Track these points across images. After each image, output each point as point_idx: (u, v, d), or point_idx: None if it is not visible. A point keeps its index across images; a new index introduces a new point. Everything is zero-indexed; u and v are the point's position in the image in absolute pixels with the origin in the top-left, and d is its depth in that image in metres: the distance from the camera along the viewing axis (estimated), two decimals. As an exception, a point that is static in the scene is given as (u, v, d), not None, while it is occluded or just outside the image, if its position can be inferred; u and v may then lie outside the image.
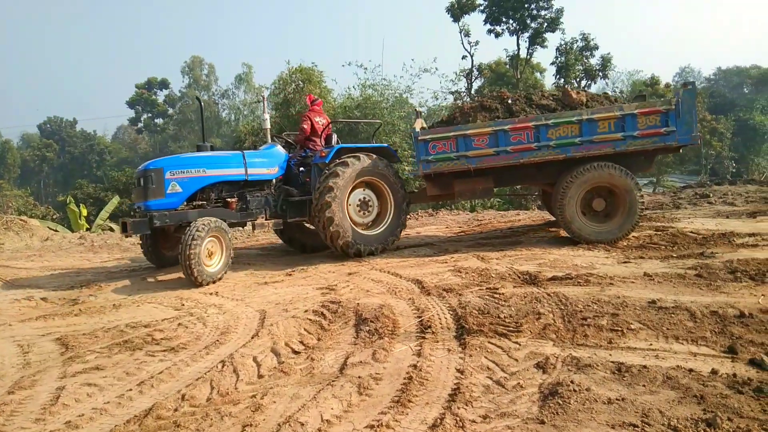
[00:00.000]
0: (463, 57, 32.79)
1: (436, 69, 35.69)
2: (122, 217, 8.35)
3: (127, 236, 8.47)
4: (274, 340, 4.39)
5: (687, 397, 2.97)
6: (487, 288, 5.34)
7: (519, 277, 5.73)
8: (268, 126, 8.54)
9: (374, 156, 8.07)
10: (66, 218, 22.35)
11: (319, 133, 8.64)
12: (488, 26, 32.54)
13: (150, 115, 63.16)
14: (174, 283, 6.91)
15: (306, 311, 5.07)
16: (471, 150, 7.55)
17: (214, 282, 6.68)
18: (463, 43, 32.46)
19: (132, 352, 4.34)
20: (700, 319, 4.10)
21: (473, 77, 32.99)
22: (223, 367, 3.88)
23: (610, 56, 32.26)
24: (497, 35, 32.69)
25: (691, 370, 3.29)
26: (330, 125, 8.91)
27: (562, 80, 31.91)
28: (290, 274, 6.97)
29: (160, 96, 63.88)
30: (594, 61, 32.70)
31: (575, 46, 32.40)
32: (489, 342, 3.96)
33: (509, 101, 8.14)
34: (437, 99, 27.94)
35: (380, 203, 8.28)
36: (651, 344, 3.76)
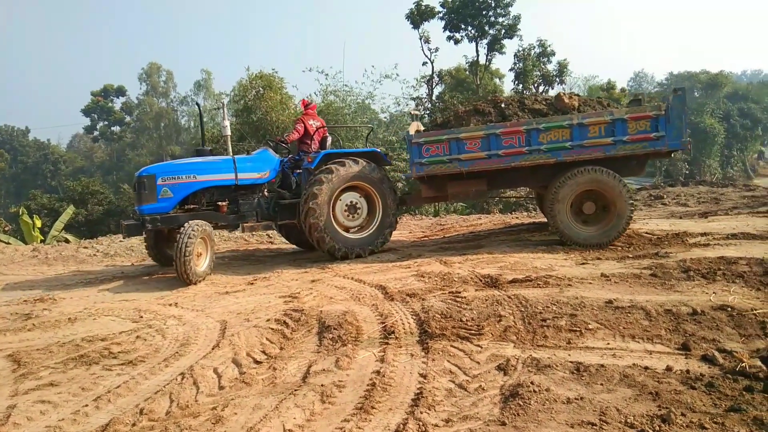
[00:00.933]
0: (424, 63, 32.94)
1: (397, 75, 36.12)
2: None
3: (124, 237, 9.82)
4: (235, 351, 4.33)
5: (643, 394, 3.05)
6: (449, 292, 5.38)
7: (481, 281, 5.79)
8: (229, 133, 8.52)
9: (363, 161, 8.08)
10: (19, 230, 21.58)
11: (312, 135, 8.74)
12: (447, 33, 32.85)
13: (106, 122, 61.48)
14: (132, 294, 6.74)
15: (268, 320, 5.02)
16: (463, 153, 7.59)
17: (203, 280, 7.05)
18: (423, 50, 32.59)
19: (88, 367, 4.22)
20: (655, 317, 4.22)
21: (434, 83, 33.21)
22: (182, 379, 3.81)
23: (566, 62, 32.94)
24: (456, 42, 33.00)
25: (646, 368, 3.38)
26: (324, 128, 9.01)
27: (521, 86, 32.43)
28: (252, 283, 6.89)
29: (117, 103, 62.34)
30: (551, 66, 33.32)
31: (533, 52, 32.99)
32: (451, 345, 3.99)
33: (502, 105, 8.22)
34: (399, 105, 28.13)
35: (369, 211, 8.30)
36: (608, 343, 3.85)
